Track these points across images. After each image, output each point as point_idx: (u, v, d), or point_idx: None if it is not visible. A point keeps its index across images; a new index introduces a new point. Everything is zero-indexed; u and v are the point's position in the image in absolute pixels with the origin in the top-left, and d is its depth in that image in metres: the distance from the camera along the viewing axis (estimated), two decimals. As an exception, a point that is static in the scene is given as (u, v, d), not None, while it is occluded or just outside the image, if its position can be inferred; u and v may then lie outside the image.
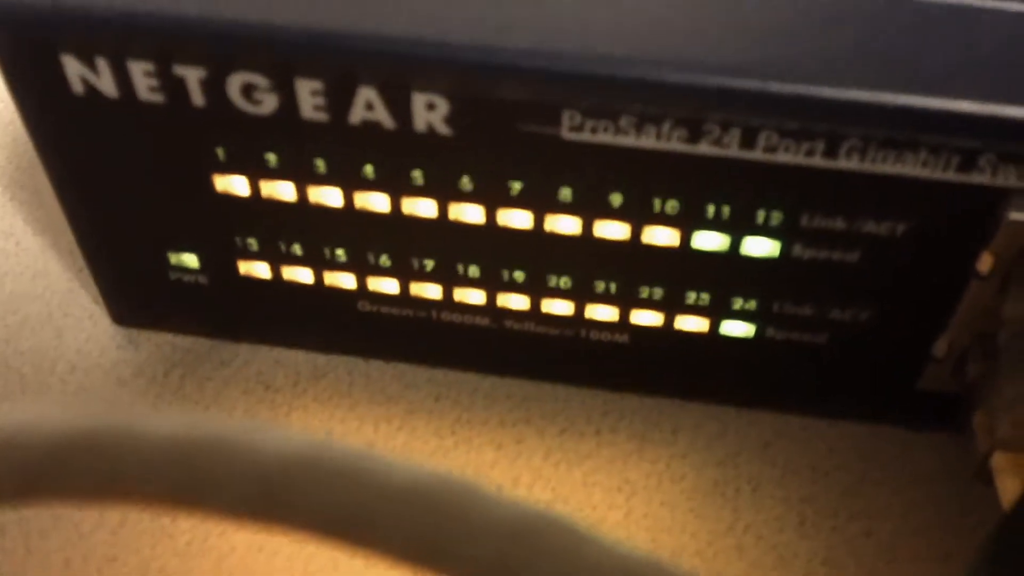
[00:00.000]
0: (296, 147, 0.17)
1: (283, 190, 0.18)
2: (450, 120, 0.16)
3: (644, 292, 0.19)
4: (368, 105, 0.16)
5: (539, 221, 0.18)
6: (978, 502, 0.20)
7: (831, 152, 0.16)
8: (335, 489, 0.10)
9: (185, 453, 0.10)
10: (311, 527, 0.10)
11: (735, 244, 0.17)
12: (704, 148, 0.16)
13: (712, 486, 0.20)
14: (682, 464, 0.20)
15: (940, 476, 0.20)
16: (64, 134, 0.18)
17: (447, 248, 0.19)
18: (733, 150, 0.16)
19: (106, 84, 0.17)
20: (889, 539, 0.19)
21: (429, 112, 0.16)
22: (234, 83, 0.16)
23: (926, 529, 0.19)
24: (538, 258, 0.19)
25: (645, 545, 0.19)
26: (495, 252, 0.19)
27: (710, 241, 0.18)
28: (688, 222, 0.17)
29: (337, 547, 0.10)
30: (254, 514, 0.10)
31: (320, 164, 0.18)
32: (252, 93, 0.16)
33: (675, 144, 0.16)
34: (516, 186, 0.17)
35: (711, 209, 0.17)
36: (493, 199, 0.18)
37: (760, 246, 0.17)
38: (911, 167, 0.16)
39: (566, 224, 0.18)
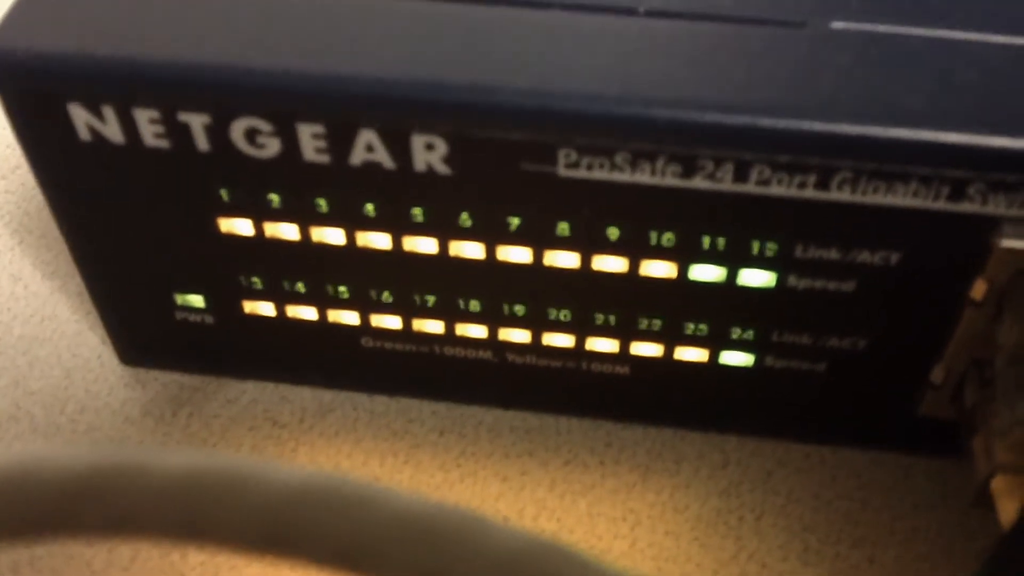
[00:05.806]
0: (298, 189, 0.18)
1: (286, 230, 0.18)
2: (449, 160, 0.17)
3: (643, 324, 0.19)
4: (368, 147, 0.17)
5: (538, 256, 0.18)
6: (980, 527, 0.20)
7: (823, 184, 0.16)
8: (343, 521, 0.10)
9: (195, 489, 0.10)
10: (321, 559, 0.10)
11: (731, 275, 0.18)
12: (698, 182, 0.16)
13: (715, 515, 0.20)
14: (685, 494, 0.20)
15: (942, 502, 0.20)
16: (71, 180, 0.18)
17: (448, 284, 0.19)
18: (727, 184, 0.16)
19: (112, 131, 0.17)
20: (892, 565, 0.19)
21: (428, 152, 0.16)
22: (237, 128, 0.17)
23: (928, 555, 0.20)
24: (538, 292, 0.19)
25: (650, 575, 0.19)
26: (495, 287, 0.19)
27: (707, 273, 0.18)
28: (684, 255, 0.18)
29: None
30: (264, 547, 0.10)
31: (322, 204, 0.18)
32: (255, 137, 0.17)
33: (669, 179, 0.16)
34: (515, 222, 0.18)
35: (707, 241, 0.17)
36: (492, 235, 0.18)
37: (756, 277, 0.18)
38: (902, 197, 0.16)
39: (565, 258, 0.18)
